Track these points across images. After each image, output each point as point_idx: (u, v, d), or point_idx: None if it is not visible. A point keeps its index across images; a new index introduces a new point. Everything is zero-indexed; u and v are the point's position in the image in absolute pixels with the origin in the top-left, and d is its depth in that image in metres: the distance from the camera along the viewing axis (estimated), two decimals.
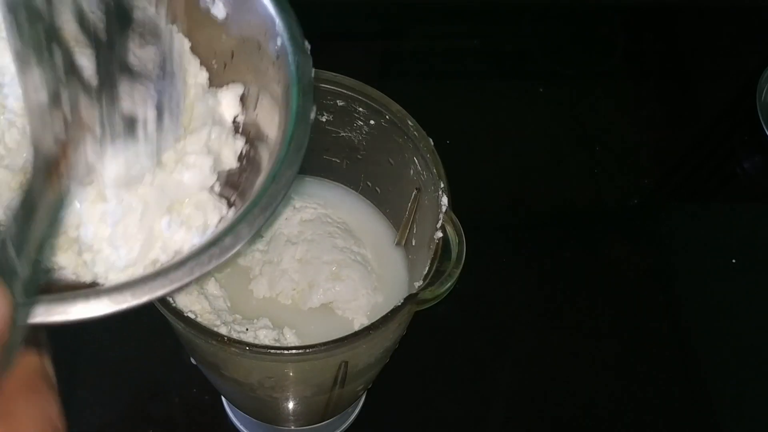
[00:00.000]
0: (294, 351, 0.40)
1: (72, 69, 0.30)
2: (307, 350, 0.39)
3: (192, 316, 0.45)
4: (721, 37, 0.88)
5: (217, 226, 0.35)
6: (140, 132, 0.32)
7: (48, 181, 0.29)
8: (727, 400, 0.65)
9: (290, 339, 0.47)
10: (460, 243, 0.43)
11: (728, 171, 0.81)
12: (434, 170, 0.45)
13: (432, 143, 0.46)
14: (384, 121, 0.48)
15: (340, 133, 0.51)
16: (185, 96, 0.36)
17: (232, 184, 0.37)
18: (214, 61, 0.38)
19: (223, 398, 0.61)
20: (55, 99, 0.30)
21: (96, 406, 0.60)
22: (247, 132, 0.38)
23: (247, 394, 0.48)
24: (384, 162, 0.51)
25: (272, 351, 0.40)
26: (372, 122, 0.49)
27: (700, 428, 0.64)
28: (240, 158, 0.37)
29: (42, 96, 0.30)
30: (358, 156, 0.52)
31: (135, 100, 0.32)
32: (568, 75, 0.84)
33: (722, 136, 0.83)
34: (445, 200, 0.44)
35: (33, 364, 0.27)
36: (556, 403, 0.64)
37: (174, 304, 0.42)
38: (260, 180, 0.33)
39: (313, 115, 0.34)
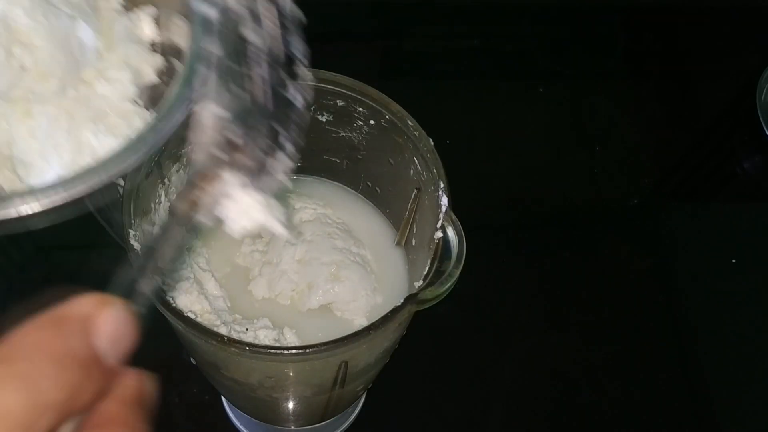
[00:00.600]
0: (294, 351, 0.40)
1: (255, 95, 0.32)
2: (307, 350, 0.38)
3: (192, 316, 0.45)
4: (721, 37, 0.88)
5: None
6: (270, 166, 0.33)
7: (190, 203, 0.30)
8: (727, 400, 0.65)
9: (290, 339, 0.47)
10: (460, 243, 0.43)
11: (728, 171, 0.81)
12: (434, 170, 0.45)
13: (432, 143, 0.46)
14: (384, 121, 0.48)
15: (340, 133, 0.51)
16: (104, 22, 0.40)
17: (155, 99, 0.40)
18: None
19: (223, 398, 0.61)
20: (237, 119, 0.31)
21: None
22: (165, 50, 0.41)
23: (247, 394, 0.48)
24: (384, 162, 0.51)
25: (272, 351, 0.40)
26: (372, 122, 0.49)
27: (700, 428, 0.64)
28: (160, 75, 0.41)
29: (226, 113, 0.31)
30: (358, 156, 0.52)
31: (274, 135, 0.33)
32: (568, 75, 0.84)
33: (722, 136, 0.83)
34: (445, 200, 0.43)
35: (129, 389, 0.24)
36: (556, 403, 0.64)
37: (174, 304, 0.42)
38: (174, 86, 0.36)
39: (216, 26, 0.36)
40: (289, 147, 0.33)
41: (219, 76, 0.31)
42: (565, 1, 0.89)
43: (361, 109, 0.48)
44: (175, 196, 0.49)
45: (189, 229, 0.30)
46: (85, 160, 0.36)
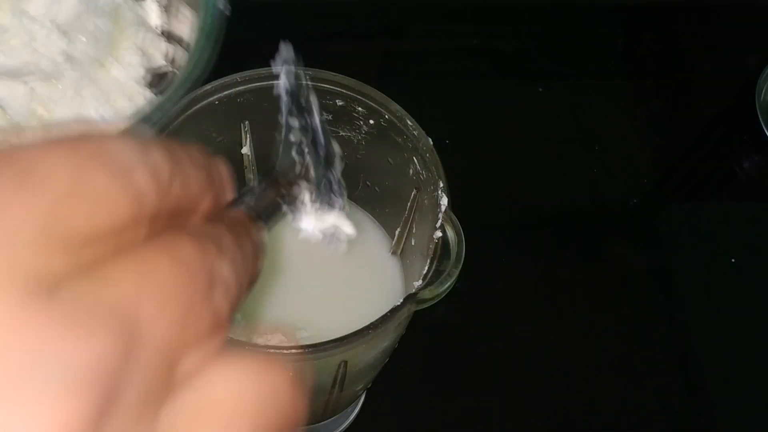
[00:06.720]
0: (293, 351, 0.40)
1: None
2: (307, 350, 0.39)
3: None
4: (721, 37, 0.88)
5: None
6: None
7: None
8: (727, 400, 0.65)
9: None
10: (459, 243, 0.43)
11: (728, 171, 0.81)
12: (433, 170, 0.45)
13: (431, 142, 0.46)
14: (383, 120, 0.48)
15: (339, 132, 0.51)
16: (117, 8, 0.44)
17: (155, 81, 0.45)
18: None
19: None
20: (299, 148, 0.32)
21: None
22: (171, 36, 0.46)
23: None
24: (383, 161, 0.51)
25: (272, 351, 0.40)
26: (371, 122, 0.49)
27: (699, 428, 0.64)
28: (166, 58, 0.45)
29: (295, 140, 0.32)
30: (357, 156, 0.52)
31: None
32: (568, 75, 0.84)
33: (722, 136, 0.83)
34: (444, 200, 0.44)
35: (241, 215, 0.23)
36: (556, 403, 0.64)
37: None
38: (182, 65, 0.41)
39: (227, 11, 0.41)
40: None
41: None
42: (564, 1, 0.89)
43: (360, 108, 0.48)
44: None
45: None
46: None
